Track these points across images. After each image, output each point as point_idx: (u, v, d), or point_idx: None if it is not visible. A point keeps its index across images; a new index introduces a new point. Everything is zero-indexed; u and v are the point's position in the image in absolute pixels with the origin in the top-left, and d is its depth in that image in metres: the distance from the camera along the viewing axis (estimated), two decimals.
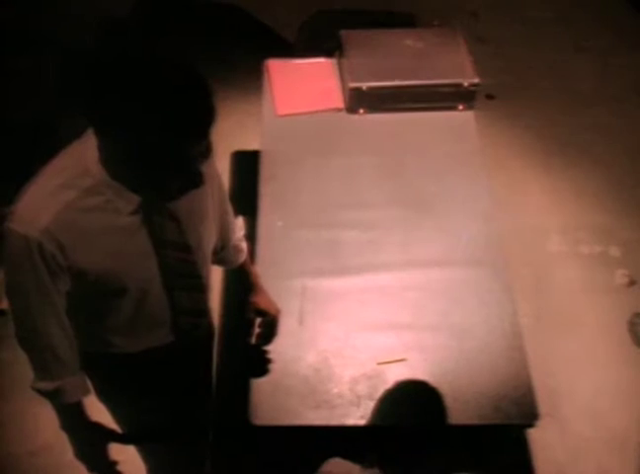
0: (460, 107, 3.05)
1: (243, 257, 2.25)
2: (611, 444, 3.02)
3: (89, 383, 1.97)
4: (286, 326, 2.33)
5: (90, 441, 2.02)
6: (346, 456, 1.99)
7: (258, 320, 2.29)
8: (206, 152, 1.53)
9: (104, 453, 2.05)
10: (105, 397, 2.20)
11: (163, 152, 1.46)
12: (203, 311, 2.08)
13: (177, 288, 1.88)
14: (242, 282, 2.28)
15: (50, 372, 1.86)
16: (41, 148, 3.99)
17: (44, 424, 3.01)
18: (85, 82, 1.50)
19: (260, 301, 2.25)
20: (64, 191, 1.59)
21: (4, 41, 4.36)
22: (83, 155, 1.60)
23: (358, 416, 2.20)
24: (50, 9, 4.72)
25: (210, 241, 1.97)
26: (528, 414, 2.21)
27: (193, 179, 1.56)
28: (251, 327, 2.31)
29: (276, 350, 2.31)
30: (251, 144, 2.76)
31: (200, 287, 1.98)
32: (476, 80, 2.96)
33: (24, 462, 2.93)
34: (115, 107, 1.42)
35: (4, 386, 3.14)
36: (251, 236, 2.34)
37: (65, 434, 2.02)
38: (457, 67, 3.01)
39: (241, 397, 2.23)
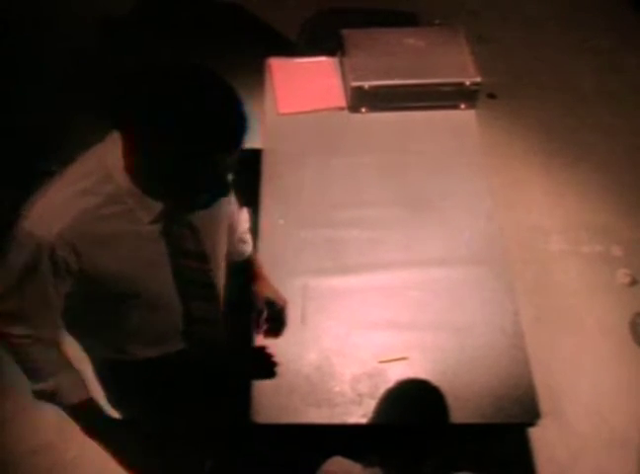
0: (462, 106, 3.05)
1: (249, 249, 2.25)
2: (612, 444, 3.02)
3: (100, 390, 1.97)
4: (288, 324, 2.33)
5: (123, 443, 1.95)
6: (347, 455, 1.99)
7: (263, 317, 2.29)
8: (237, 161, 1.53)
9: (146, 450, 2.01)
10: (120, 404, 2.18)
11: (198, 164, 1.47)
12: (216, 320, 2.06)
13: (191, 297, 1.88)
14: (246, 275, 2.27)
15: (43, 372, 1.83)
16: (42, 149, 4.03)
17: (46, 422, 3.01)
18: (121, 96, 1.47)
19: (267, 291, 2.26)
20: (85, 197, 1.58)
21: (3, 41, 4.36)
22: (106, 161, 1.59)
23: (359, 414, 2.20)
24: (50, 8, 4.73)
25: (224, 247, 1.97)
26: (530, 413, 2.21)
27: (223, 189, 1.58)
28: (256, 324, 2.32)
29: (277, 348, 2.31)
30: (253, 143, 2.75)
31: (214, 297, 1.98)
32: (478, 79, 2.96)
33: (25, 460, 2.93)
34: (153, 121, 1.42)
35: (5, 385, 3.14)
36: (253, 235, 2.34)
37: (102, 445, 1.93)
38: (459, 66, 3.01)
39: (243, 395, 2.24)
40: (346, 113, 3.06)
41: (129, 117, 1.46)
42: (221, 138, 1.45)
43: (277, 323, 2.30)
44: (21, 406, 3.07)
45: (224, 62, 4.41)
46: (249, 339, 2.34)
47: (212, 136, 1.44)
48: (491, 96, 4.34)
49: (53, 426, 3.00)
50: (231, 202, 2.03)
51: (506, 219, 3.34)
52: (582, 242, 3.74)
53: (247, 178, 2.19)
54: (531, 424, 2.23)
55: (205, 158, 1.47)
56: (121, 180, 1.57)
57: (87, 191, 1.58)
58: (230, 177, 1.58)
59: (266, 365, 2.26)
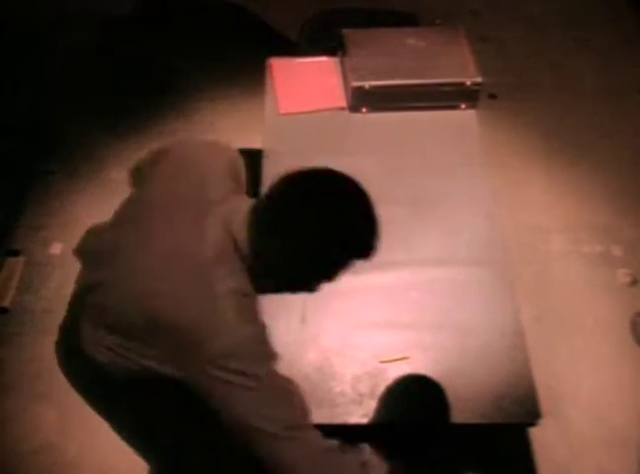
0: (463, 106, 3.04)
1: None
2: (613, 444, 3.01)
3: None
4: (288, 324, 2.33)
5: None
6: None
7: None
8: None
9: None
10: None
11: (337, 266, 1.69)
12: None
13: None
14: None
15: None
16: (41, 149, 4.04)
17: (47, 422, 3.02)
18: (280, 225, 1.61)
19: None
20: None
21: (1, 41, 4.36)
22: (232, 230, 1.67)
23: (360, 414, 2.20)
24: (48, 8, 4.74)
25: None
26: (530, 413, 2.21)
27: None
28: None
29: (277, 348, 2.31)
30: (253, 143, 2.76)
31: None
32: (479, 79, 2.96)
33: (26, 460, 2.93)
34: (322, 235, 1.59)
35: (6, 384, 3.15)
36: None
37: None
38: (460, 66, 3.01)
39: None
40: (346, 113, 3.06)
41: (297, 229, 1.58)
42: (369, 248, 1.67)
43: None
44: (21, 406, 3.08)
45: (225, 62, 4.47)
46: None
47: (364, 246, 1.66)
48: (492, 96, 4.34)
49: (54, 425, 3.01)
50: None
51: (506, 219, 3.34)
52: (582, 242, 3.73)
53: (247, 178, 2.20)
54: (532, 424, 2.22)
55: (346, 262, 1.68)
56: (242, 244, 1.65)
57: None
58: None
59: None
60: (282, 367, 2.26)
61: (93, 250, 1.96)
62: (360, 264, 2.54)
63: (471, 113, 3.06)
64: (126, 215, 1.89)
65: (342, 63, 3.18)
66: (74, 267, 3.50)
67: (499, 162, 3.90)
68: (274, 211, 1.64)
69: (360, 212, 1.67)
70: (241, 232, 1.66)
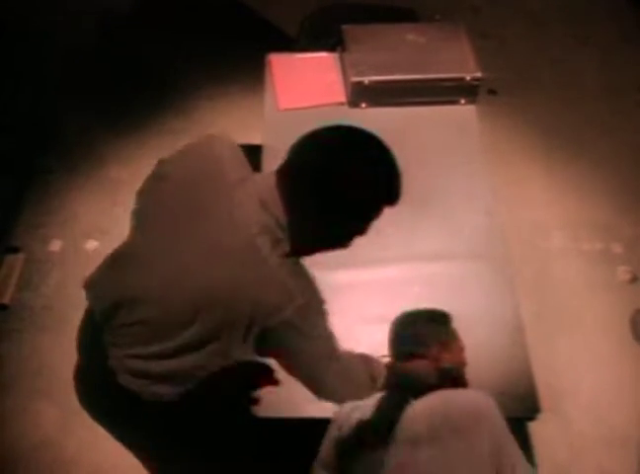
0: (462, 101, 3.04)
1: None
2: (612, 441, 3.01)
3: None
4: None
5: None
6: None
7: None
8: None
9: None
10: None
11: (372, 217, 1.73)
12: None
13: None
14: None
15: None
16: (40, 146, 4.04)
17: (46, 419, 3.02)
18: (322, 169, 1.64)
19: None
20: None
21: (1, 39, 4.36)
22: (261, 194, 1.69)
23: None
24: (48, 6, 4.74)
25: None
26: (530, 407, 2.21)
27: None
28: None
29: None
30: (253, 140, 2.76)
31: None
32: (478, 74, 2.96)
33: (25, 457, 2.93)
34: (360, 187, 1.65)
35: (5, 381, 3.15)
36: None
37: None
38: (460, 61, 3.01)
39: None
40: (346, 108, 3.06)
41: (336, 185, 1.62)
42: (397, 192, 1.74)
43: None
44: (21, 403, 3.08)
45: (224, 60, 4.46)
46: None
47: (394, 190, 1.73)
48: (491, 92, 4.34)
49: (54, 422, 3.01)
50: None
51: (506, 216, 3.32)
52: (582, 239, 3.73)
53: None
54: (532, 418, 2.22)
55: (378, 211, 1.72)
56: (277, 212, 1.67)
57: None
58: None
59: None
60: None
61: (112, 269, 1.93)
62: (359, 259, 2.56)
63: (471, 108, 3.06)
64: (142, 226, 1.87)
65: (341, 59, 3.18)
66: (73, 264, 3.54)
67: (499, 159, 3.90)
68: (301, 172, 1.67)
69: (385, 158, 1.72)
70: (275, 201, 1.67)
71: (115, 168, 3.94)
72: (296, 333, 1.70)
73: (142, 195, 1.88)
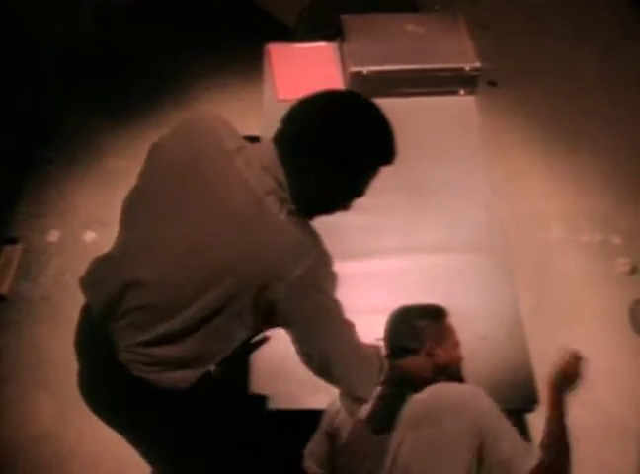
0: (461, 91, 3.04)
1: None
2: (610, 432, 3.01)
3: None
4: None
5: None
6: None
7: None
8: None
9: None
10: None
11: (369, 177, 1.75)
12: None
13: None
14: None
15: None
16: (39, 137, 4.03)
17: (44, 410, 3.02)
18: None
19: None
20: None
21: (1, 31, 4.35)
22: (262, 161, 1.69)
23: None
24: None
25: None
26: (528, 398, 2.22)
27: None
28: None
29: (275, 334, 2.30)
30: (252, 131, 2.74)
31: None
32: (477, 64, 2.95)
33: (23, 448, 2.93)
34: (360, 149, 1.69)
35: (4, 373, 3.14)
36: None
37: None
38: (459, 52, 3.00)
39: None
40: None
41: (336, 147, 1.65)
42: (394, 151, 1.75)
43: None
44: (19, 394, 3.07)
45: (224, 50, 4.44)
46: None
47: (391, 149, 1.74)
48: (491, 83, 4.32)
49: (53, 414, 3.00)
50: None
51: (505, 208, 3.31)
52: (581, 231, 3.72)
53: None
54: (530, 409, 2.23)
55: (377, 172, 1.75)
56: (279, 174, 1.68)
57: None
58: None
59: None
60: (280, 353, 2.27)
61: (108, 263, 1.91)
62: (358, 250, 2.55)
63: (470, 99, 3.05)
64: (141, 208, 1.85)
65: (340, 49, 3.17)
66: (72, 255, 3.53)
67: (498, 151, 3.88)
68: (297, 135, 1.69)
69: (378, 117, 1.73)
70: (275, 164, 1.68)
71: (113, 159, 3.93)
72: (313, 291, 1.69)
73: (140, 177, 1.87)
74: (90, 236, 3.60)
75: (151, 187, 1.81)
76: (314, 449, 2.15)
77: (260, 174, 1.67)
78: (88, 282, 1.92)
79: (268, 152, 1.70)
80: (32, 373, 3.13)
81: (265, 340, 2.24)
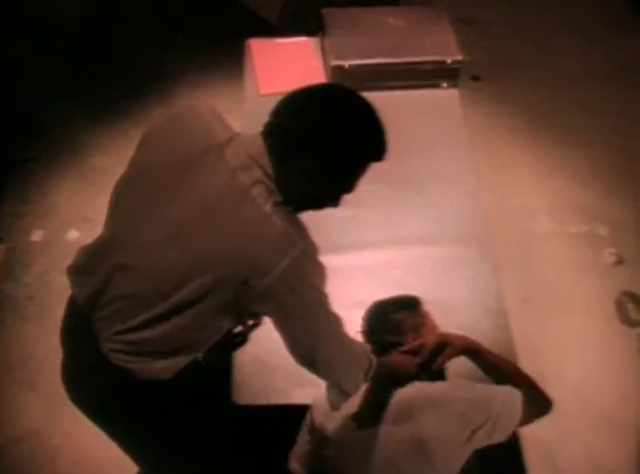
0: (444, 84, 3.03)
1: None
2: (599, 424, 3.01)
3: None
4: None
5: None
6: None
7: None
8: None
9: None
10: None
11: (359, 173, 1.75)
12: None
13: None
14: None
15: None
16: (21, 136, 4.01)
17: (31, 409, 3.00)
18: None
19: None
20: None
21: None
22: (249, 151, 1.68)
23: None
24: None
25: None
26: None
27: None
28: None
29: (260, 328, 2.29)
30: (236, 127, 2.73)
31: None
32: (460, 57, 2.95)
33: (9, 448, 2.91)
34: (348, 145, 1.67)
35: None
36: None
37: None
38: (440, 44, 3.00)
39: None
40: None
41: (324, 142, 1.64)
42: (384, 147, 1.75)
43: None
44: (5, 394, 3.06)
45: (207, 45, 4.43)
46: None
47: (381, 145, 1.74)
48: (475, 78, 4.32)
49: (38, 413, 2.99)
50: None
51: (491, 201, 3.33)
52: (568, 222, 3.73)
53: None
54: None
55: (366, 168, 1.75)
56: (267, 166, 1.67)
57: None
58: None
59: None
60: (265, 347, 2.26)
61: (94, 251, 1.90)
62: (342, 243, 2.54)
63: (453, 91, 3.04)
64: (129, 195, 1.84)
65: (321, 43, 3.16)
66: (56, 253, 3.51)
67: (485, 144, 3.89)
68: (285, 129, 1.67)
69: (368, 112, 1.72)
70: (263, 157, 1.67)
71: (97, 157, 3.91)
72: (299, 282, 1.67)
73: (130, 164, 1.86)
74: (73, 235, 3.58)
75: (140, 175, 1.81)
76: (298, 450, 2.14)
77: (248, 164, 1.66)
78: (75, 271, 1.91)
79: (256, 144, 1.69)
80: (17, 372, 3.11)
81: (254, 327, 2.25)
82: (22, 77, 4.31)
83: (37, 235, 3.61)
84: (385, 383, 1.98)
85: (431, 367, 1.99)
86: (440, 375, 2.06)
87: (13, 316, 3.30)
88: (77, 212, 3.67)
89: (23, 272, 3.46)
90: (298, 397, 2.19)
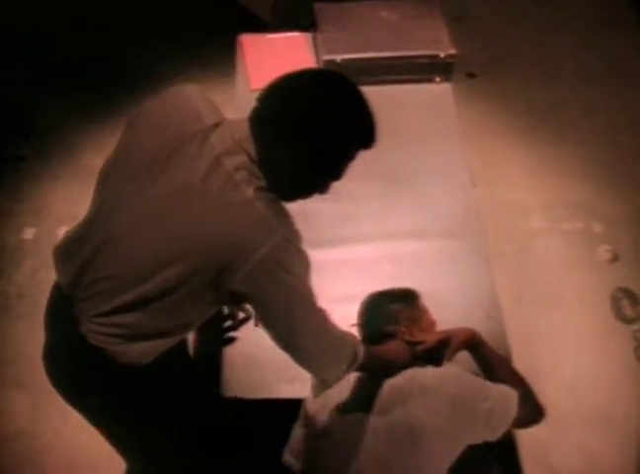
0: (437, 79, 3.02)
1: None
2: (594, 419, 3.00)
3: None
4: None
5: None
6: None
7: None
8: None
9: None
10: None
11: (346, 161, 1.71)
12: None
13: None
14: None
15: None
16: (12, 134, 3.99)
17: (19, 409, 2.99)
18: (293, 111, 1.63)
19: None
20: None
21: None
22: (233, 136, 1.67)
23: None
24: None
25: None
26: None
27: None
28: None
29: (249, 323, 2.28)
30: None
31: None
32: (453, 51, 2.94)
33: None
34: (335, 131, 1.64)
35: None
36: None
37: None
38: (433, 39, 2.99)
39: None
40: None
41: (308, 130, 1.62)
42: (373, 134, 1.71)
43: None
44: None
45: (199, 43, 4.42)
46: None
47: (370, 132, 1.70)
48: (470, 75, 4.32)
49: (27, 411, 2.97)
50: None
51: (485, 197, 3.31)
52: (562, 219, 3.71)
53: None
54: None
55: (354, 155, 1.71)
56: (252, 152, 1.66)
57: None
58: None
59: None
60: (255, 342, 2.24)
61: (78, 233, 1.89)
62: (333, 237, 2.53)
63: (446, 86, 3.04)
64: (112, 177, 1.83)
65: (314, 37, 3.15)
66: (47, 252, 3.44)
67: (479, 141, 3.87)
68: (271, 115, 1.65)
69: (356, 98, 1.70)
70: (249, 143, 1.66)
71: (88, 155, 3.89)
72: (280, 269, 1.65)
73: (117, 146, 1.86)
74: None
75: (126, 156, 1.80)
76: (292, 442, 2.13)
77: (233, 150, 1.65)
78: (59, 252, 1.92)
79: (242, 129, 1.68)
80: (6, 371, 3.10)
81: (244, 321, 2.23)
82: (13, 77, 4.29)
83: (28, 233, 3.60)
84: (376, 373, 1.97)
85: (441, 363, 1.99)
86: (437, 361, 2.06)
87: (3, 315, 3.29)
88: (69, 211, 3.64)
89: (14, 270, 3.45)
90: (287, 392, 2.18)
